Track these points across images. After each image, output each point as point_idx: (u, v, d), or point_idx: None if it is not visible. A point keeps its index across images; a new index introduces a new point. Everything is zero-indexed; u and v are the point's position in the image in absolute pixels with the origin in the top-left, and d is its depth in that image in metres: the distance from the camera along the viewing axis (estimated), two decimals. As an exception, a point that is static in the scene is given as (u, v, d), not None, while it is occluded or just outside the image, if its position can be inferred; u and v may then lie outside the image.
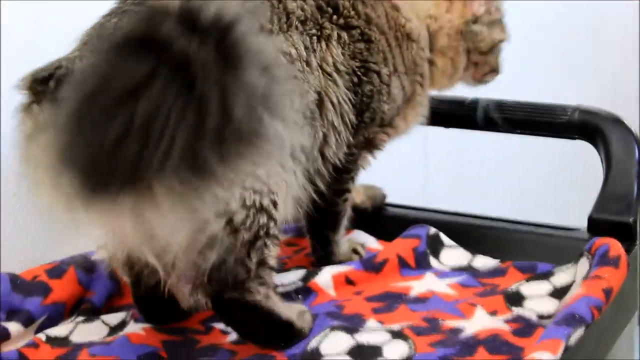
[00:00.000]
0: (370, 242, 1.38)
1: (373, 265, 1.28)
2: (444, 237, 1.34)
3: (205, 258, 1.04)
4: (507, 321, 1.14)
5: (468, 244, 1.34)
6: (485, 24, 1.36)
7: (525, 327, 1.12)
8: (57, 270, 1.23)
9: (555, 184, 2.22)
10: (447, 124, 1.44)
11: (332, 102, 1.20)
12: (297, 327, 1.10)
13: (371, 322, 1.15)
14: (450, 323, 1.14)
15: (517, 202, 1.76)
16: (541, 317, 1.14)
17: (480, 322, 1.14)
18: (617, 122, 1.34)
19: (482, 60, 1.37)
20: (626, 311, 1.19)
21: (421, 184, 1.98)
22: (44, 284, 1.21)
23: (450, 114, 1.45)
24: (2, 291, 1.19)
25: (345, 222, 1.32)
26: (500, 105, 1.43)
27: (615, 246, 1.16)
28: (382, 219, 1.44)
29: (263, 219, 1.08)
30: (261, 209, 1.08)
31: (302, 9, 1.21)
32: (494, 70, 1.40)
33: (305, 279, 1.25)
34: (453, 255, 1.33)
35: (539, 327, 1.11)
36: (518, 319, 1.14)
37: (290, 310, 1.12)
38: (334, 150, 1.22)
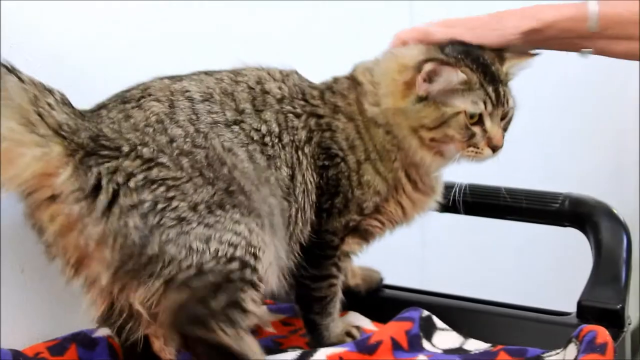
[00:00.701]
0: (365, 324, 1.38)
1: (367, 347, 1.26)
2: (436, 320, 1.33)
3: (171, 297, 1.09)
4: (496, 405, 1.12)
5: (461, 327, 1.34)
6: (431, 100, 1.23)
7: (513, 412, 1.10)
8: (58, 348, 1.24)
9: (548, 268, 2.22)
10: (439, 209, 1.40)
11: (299, 180, 1.23)
12: None
13: (364, 405, 1.14)
14: (441, 406, 1.13)
15: (511, 285, 1.77)
16: (530, 402, 1.13)
17: (470, 406, 1.13)
18: (607, 210, 1.35)
19: (439, 135, 1.25)
20: (613, 398, 1.17)
21: (418, 265, 1.99)
22: (46, 361, 1.22)
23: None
24: (4, 367, 1.19)
25: (335, 306, 1.32)
26: (492, 191, 1.43)
27: (602, 333, 1.14)
28: (378, 301, 1.44)
29: (235, 265, 1.10)
30: (233, 259, 1.10)
31: (280, 89, 1.26)
32: (475, 146, 1.25)
33: (300, 359, 1.23)
34: (445, 338, 1.32)
35: (528, 413, 1.10)
36: (507, 403, 1.13)
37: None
38: (300, 228, 1.24)
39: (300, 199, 1.24)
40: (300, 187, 1.24)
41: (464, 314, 1.38)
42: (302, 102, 1.28)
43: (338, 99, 1.30)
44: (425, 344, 1.30)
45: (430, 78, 1.22)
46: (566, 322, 1.28)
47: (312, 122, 1.27)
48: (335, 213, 1.28)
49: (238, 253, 1.11)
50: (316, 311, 1.31)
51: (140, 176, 1.08)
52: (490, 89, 1.25)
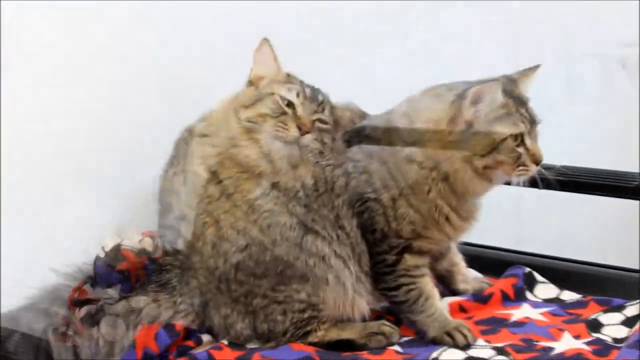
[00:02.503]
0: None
1: (481, 298, 1.46)
2: (537, 275, 1.50)
3: None
4: (588, 343, 1.30)
5: (556, 281, 1.50)
6: (478, 128, 1.29)
7: (603, 349, 1.27)
8: None
9: (626, 235, 2.34)
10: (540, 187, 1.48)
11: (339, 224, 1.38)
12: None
13: (480, 341, 1.32)
14: (543, 344, 1.30)
15: (596, 248, 1.84)
16: (616, 341, 1.30)
17: (566, 343, 1.30)
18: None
19: (492, 162, 1.29)
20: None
21: (516, 231, 2.13)
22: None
23: (544, 179, 1.43)
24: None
25: (424, 305, 1.38)
26: (584, 171, 1.57)
27: (674, 287, 1.31)
28: (486, 260, 1.61)
29: (304, 323, 1.38)
30: (303, 320, 1.37)
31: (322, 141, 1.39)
32: (523, 165, 1.30)
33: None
34: (544, 289, 1.49)
35: (614, 349, 1.26)
36: (597, 342, 1.30)
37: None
38: (358, 256, 1.39)
39: (348, 234, 1.38)
40: (344, 225, 1.37)
41: (559, 271, 1.54)
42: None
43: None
44: (528, 294, 1.48)
45: (476, 101, 1.28)
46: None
47: (350, 165, 1.36)
48: (379, 240, 1.38)
49: (306, 315, 1.37)
50: (405, 311, 1.40)
51: (230, 299, 1.38)
52: (523, 110, 1.32)
